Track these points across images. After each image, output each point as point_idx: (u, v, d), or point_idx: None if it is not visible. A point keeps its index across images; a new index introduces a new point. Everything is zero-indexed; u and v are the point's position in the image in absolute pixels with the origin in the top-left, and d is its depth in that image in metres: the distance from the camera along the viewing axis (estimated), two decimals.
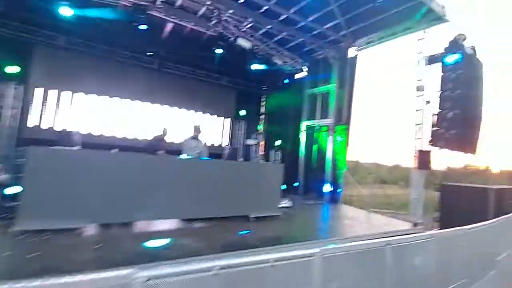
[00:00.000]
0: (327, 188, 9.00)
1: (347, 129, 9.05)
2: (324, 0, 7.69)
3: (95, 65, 8.47)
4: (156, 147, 5.79)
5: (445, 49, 7.24)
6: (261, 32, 9.05)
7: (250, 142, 9.63)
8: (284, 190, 6.73)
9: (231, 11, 8.02)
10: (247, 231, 4.95)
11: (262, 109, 11.58)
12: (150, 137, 8.82)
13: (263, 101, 11.60)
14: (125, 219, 4.63)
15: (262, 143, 10.57)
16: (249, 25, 8.64)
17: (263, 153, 10.05)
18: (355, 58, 9.29)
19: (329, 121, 9.44)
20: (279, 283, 2.01)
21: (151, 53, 9.21)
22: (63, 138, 5.26)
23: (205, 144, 6.29)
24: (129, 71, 9.16)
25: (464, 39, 7.10)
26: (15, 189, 4.43)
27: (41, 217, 3.83)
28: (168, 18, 8.12)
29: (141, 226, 4.79)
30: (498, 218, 4.61)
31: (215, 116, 10.93)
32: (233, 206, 5.57)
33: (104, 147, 5.30)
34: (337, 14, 8.12)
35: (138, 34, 7.61)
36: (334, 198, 8.89)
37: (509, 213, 5.46)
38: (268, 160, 8.98)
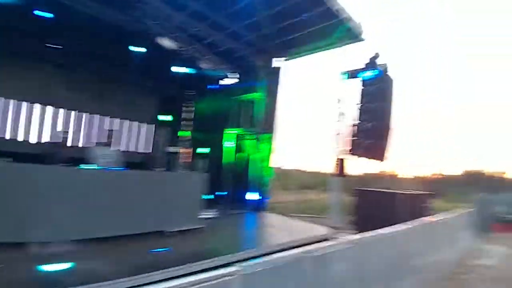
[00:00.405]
0: (252, 196, 8.89)
1: (272, 137, 9.17)
2: (254, 9, 7.70)
3: None
4: (55, 155, 4.94)
5: (366, 65, 7.96)
6: (188, 33, 8.57)
7: (173, 149, 8.82)
8: (210, 200, 6.31)
9: (156, 5, 7.37)
10: (163, 249, 4.38)
11: (188, 115, 10.84)
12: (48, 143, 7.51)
13: (189, 107, 10.87)
14: (17, 239, 3.71)
15: (187, 150, 9.87)
16: (174, 25, 8.08)
17: (188, 161, 9.36)
18: (282, 68, 9.57)
19: (255, 129, 9.43)
20: None
21: (60, 47, 7.68)
22: None
23: (117, 152, 5.50)
24: (28, 66, 7.56)
25: (377, 57, 7.91)
26: None
27: None
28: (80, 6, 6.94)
29: (36, 247, 3.79)
30: (414, 223, 4.92)
31: (136, 122, 9.87)
32: (147, 220, 4.92)
33: None
34: (267, 23, 8.25)
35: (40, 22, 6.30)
36: (260, 206, 8.81)
37: (418, 218, 6.02)
38: (194, 169, 8.38)
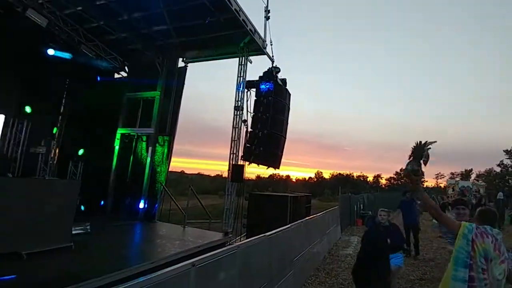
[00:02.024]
0: (142, 204, 8.11)
1: (170, 140, 8.65)
2: (153, 0, 7.13)
3: None
4: None
5: (260, 77, 8.38)
6: (66, 11, 7.25)
7: (38, 149, 6.89)
8: (83, 211, 5.36)
9: None
10: (11, 277, 3.44)
11: (61, 108, 8.72)
12: None
13: (63, 99, 8.77)
14: None
15: (56, 151, 8.01)
16: None
17: (55, 165, 7.65)
18: (184, 69, 9.21)
19: (150, 130, 8.65)
20: None
21: None
22: None
23: None
24: None
25: (278, 71, 8.45)
26: None
27: None
28: None
29: None
30: (294, 223, 5.35)
31: None
32: None
33: None
34: (167, 19, 7.77)
35: None
36: (149, 215, 8.12)
37: (303, 217, 6.68)
38: (67, 174, 6.97)
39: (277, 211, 7.93)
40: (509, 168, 43.56)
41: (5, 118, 6.71)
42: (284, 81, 8.77)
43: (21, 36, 6.84)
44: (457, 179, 34.77)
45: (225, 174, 8.40)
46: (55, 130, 8.41)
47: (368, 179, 61.02)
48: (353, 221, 12.65)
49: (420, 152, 2.39)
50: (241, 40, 8.08)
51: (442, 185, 44.37)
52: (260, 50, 8.36)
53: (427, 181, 55.21)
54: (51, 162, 7.60)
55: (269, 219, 7.17)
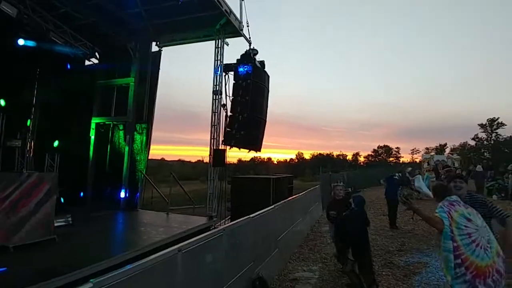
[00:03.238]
0: (123, 193, 8.01)
1: (149, 127, 8.48)
2: None
3: None
4: None
5: (237, 60, 8.15)
6: None
7: (13, 143, 6.57)
8: (63, 204, 5.25)
9: None
10: (2, 269, 3.44)
11: (34, 100, 8.26)
12: None
13: (35, 90, 8.33)
14: None
15: (32, 144, 7.68)
16: None
17: (32, 158, 7.35)
18: (159, 53, 8.90)
19: (127, 118, 8.43)
20: None
21: None
22: None
23: None
24: None
25: (256, 53, 8.23)
26: None
27: None
28: None
29: None
30: (277, 204, 5.50)
31: None
32: None
33: None
34: (138, 1, 7.40)
35: None
36: (131, 204, 8.06)
37: (285, 198, 6.85)
38: (44, 167, 6.70)
39: (260, 193, 8.08)
40: (484, 142, 46.33)
41: None
42: (262, 63, 8.64)
43: None
44: (432, 153, 36.51)
45: (206, 160, 8.40)
46: (29, 122, 7.98)
47: (348, 158, 62.95)
48: None
49: (407, 181, 2.86)
50: (217, 22, 7.86)
51: (417, 160, 46.69)
52: (236, 32, 8.17)
53: (403, 157, 57.98)
54: (27, 155, 7.27)
55: (253, 201, 7.29)
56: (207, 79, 9.26)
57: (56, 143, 8.03)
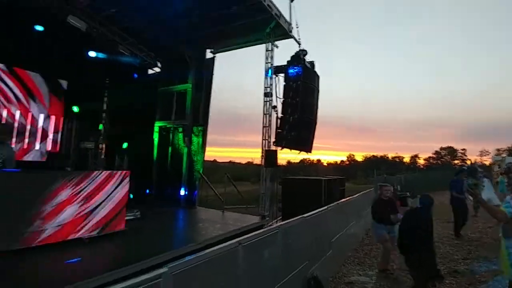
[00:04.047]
0: (182, 192, 8.64)
1: (204, 130, 9.01)
2: None
3: None
4: None
5: (288, 62, 8.27)
6: (103, 14, 7.68)
7: (86, 145, 7.64)
8: (132, 199, 5.87)
9: None
10: (77, 259, 3.94)
11: (104, 106, 9.46)
12: None
13: (105, 97, 9.49)
14: None
15: (103, 146, 8.79)
16: (86, 3, 7.14)
17: (104, 158, 8.39)
18: (212, 59, 9.41)
19: (185, 121, 9.10)
20: None
21: None
22: None
23: (12, 150, 4.67)
24: None
25: (305, 54, 8.27)
26: None
27: None
28: None
29: None
30: (329, 205, 5.44)
31: (39, 113, 8.33)
32: (61, 231, 4.35)
33: None
34: (193, 13, 7.94)
35: None
36: (190, 201, 8.63)
37: (337, 200, 6.72)
38: (113, 167, 7.59)
39: (311, 195, 7.98)
40: None
41: (55, 118, 7.40)
42: (312, 64, 8.60)
43: (65, 41, 7.41)
44: (504, 155, 32.03)
45: (257, 161, 8.59)
46: (100, 126, 9.16)
47: (404, 160, 58.47)
48: None
49: (473, 169, 2.93)
50: (266, 26, 8.03)
51: (487, 163, 41.27)
52: (286, 34, 8.24)
53: (469, 159, 51.78)
54: (100, 156, 8.32)
55: (304, 202, 7.23)
56: (257, 81, 9.48)
57: (124, 145, 9.02)
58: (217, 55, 9.46)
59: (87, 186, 4.74)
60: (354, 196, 8.17)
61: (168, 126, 9.52)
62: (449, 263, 5.31)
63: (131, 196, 6.40)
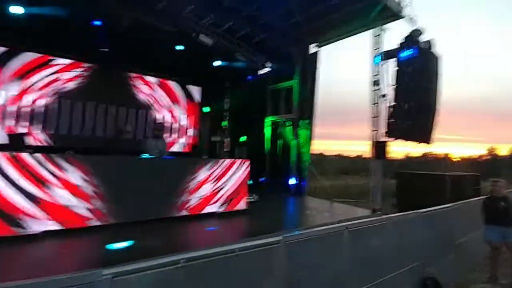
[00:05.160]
0: (292, 181, 9.29)
1: (311, 123, 9.39)
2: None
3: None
4: (116, 147, 5.80)
5: (401, 44, 7.50)
6: (223, 28, 9.00)
7: (215, 138, 9.56)
8: (250, 185, 6.84)
9: (191, 7, 7.85)
10: (214, 227, 5.07)
11: (226, 106, 11.51)
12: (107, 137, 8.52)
13: (226, 98, 11.51)
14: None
15: (227, 139, 10.54)
16: (210, 21, 8.54)
17: (227, 149, 10.04)
18: (316, 54, 9.61)
19: (292, 116, 9.72)
20: (245, 270, 2.08)
21: (106, 49, 8.37)
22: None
23: (166, 143, 6.37)
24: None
25: (420, 34, 7.38)
26: None
27: None
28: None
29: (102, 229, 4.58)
30: (455, 203, 4.93)
31: (180, 114, 10.70)
32: (200, 203, 5.68)
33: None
34: (296, 11, 8.33)
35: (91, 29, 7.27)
36: (299, 190, 9.22)
37: (467, 199, 5.89)
38: (234, 157, 8.99)
39: (432, 192, 7.21)
40: None
41: (192, 118, 9.45)
42: (429, 43, 7.56)
43: (195, 55, 9.13)
44: None
45: (366, 155, 8.31)
46: (223, 123, 11.17)
47: None
48: None
49: None
50: (371, 10, 7.58)
51: None
52: (395, 15, 7.55)
53: None
54: (224, 148, 10.09)
55: (424, 200, 6.59)
56: (363, 70, 9.07)
57: (242, 139, 10.51)
58: (321, 48, 9.58)
59: (217, 169, 6.01)
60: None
61: (277, 120, 10.37)
62: None
63: (251, 181, 7.45)
